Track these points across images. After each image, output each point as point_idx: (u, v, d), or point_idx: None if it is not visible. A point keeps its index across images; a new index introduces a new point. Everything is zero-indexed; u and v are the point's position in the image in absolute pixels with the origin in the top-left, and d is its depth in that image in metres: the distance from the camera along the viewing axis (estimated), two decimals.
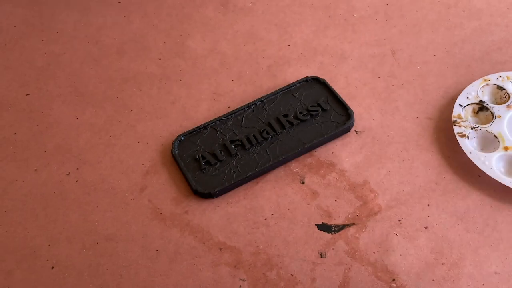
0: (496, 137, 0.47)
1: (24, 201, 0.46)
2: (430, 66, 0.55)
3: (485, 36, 0.57)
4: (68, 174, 0.48)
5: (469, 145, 0.47)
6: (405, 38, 0.57)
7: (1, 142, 0.50)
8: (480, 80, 0.51)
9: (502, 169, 0.46)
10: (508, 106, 0.49)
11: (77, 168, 0.48)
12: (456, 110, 0.49)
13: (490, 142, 0.47)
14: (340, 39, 0.57)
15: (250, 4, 0.61)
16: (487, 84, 0.51)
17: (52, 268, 0.42)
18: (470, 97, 0.50)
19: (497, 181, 0.44)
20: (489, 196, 0.45)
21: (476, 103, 0.50)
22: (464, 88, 0.51)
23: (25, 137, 0.50)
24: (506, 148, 0.46)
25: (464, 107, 0.50)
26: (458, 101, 0.50)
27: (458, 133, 0.48)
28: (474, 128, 0.48)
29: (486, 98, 0.51)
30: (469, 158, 0.46)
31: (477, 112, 0.50)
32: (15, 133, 0.50)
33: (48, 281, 0.42)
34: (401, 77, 0.54)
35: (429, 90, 0.52)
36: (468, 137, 0.47)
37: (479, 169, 0.45)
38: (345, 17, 0.59)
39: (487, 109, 0.49)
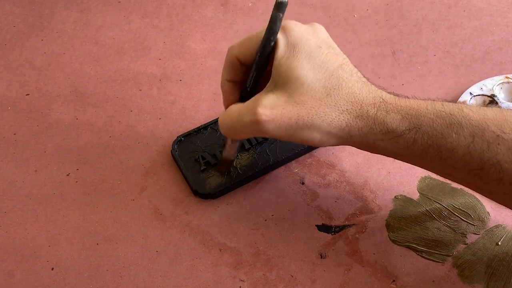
0: None
1: (24, 201, 0.46)
2: (430, 66, 0.54)
3: (486, 36, 0.57)
4: (68, 174, 0.47)
5: None
6: (405, 38, 0.57)
7: (1, 142, 0.50)
8: (502, 76, 0.51)
9: None
10: None
11: (77, 169, 0.48)
12: (464, 97, 0.48)
13: None
14: (340, 39, 0.57)
15: (250, 4, 0.61)
16: (508, 82, 0.50)
17: (52, 269, 0.42)
18: (484, 88, 0.50)
19: None
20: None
21: (488, 96, 0.49)
22: (466, 88, 0.51)
23: (25, 137, 0.50)
24: None
25: (474, 96, 0.49)
26: (470, 89, 0.49)
27: None
28: None
29: (502, 95, 0.50)
30: None
31: (487, 105, 0.49)
32: (15, 133, 0.50)
33: (48, 282, 0.42)
34: (401, 77, 0.54)
35: (429, 91, 0.52)
36: None
37: None
38: (345, 17, 0.59)
39: (496, 103, 0.49)
